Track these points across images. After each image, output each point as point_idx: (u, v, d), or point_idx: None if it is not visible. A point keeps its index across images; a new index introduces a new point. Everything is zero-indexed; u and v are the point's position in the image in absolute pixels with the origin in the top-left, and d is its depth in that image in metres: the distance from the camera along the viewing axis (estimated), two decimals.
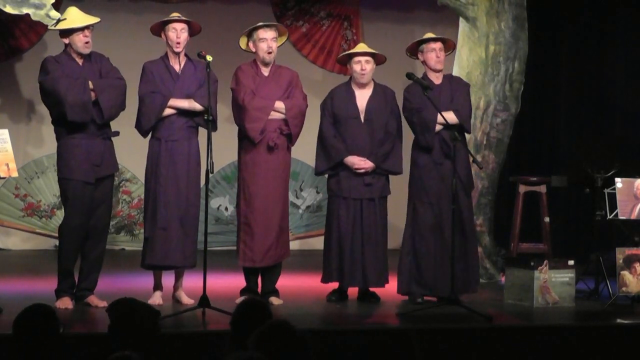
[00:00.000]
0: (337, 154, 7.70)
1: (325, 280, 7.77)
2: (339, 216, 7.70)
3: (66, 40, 7.21)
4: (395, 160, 7.74)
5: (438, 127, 7.61)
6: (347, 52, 8.02)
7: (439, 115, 7.53)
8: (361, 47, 7.91)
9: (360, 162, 7.66)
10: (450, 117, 7.54)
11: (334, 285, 7.78)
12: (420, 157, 7.70)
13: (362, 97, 7.77)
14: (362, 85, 7.77)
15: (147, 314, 4.28)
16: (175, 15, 7.48)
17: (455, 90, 7.76)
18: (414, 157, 7.76)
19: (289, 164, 7.75)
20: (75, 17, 7.22)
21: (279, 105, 7.57)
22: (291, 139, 7.64)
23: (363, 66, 7.75)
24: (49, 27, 7.32)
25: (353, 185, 7.68)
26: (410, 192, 7.79)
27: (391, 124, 7.75)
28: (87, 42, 7.19)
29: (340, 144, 7.69)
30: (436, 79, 7.77)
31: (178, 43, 7.37)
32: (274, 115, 7.57)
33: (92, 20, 7.25)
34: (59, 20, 7.21)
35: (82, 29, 7.18)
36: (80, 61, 7.22)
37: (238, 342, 4.29)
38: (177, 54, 7.41)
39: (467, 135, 8.35)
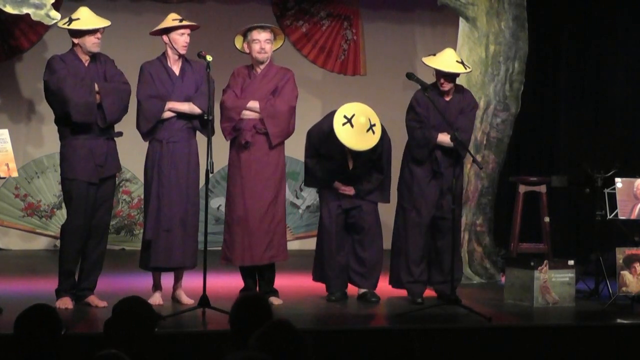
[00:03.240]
0: (323, 182, 7.78)
1: (314, 278, 7.88)
2: (322, 220, 7.78)
3: (76, 40, 7.21)
4: (380, 193, 7.80)
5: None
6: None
7: (439, 136, 7.56)
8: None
9: (345, 189, 7.73)
10: (447, 140, 7.50)
11: None
12: (412, 166, 7.75)
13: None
14: None
15: (149, 315, 4.27)
16: (176, 16, 7.48)
17: (464, 110, 7.73)
18: (407, 162, 7.80)
19: (279, 165, 7.67)
20: (88, 18, 7.22)
21: (252, 104, 7.54)
22: (270, 138, 7.55)
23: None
24: (61, 26, 7.32)
25: (339, 196, 7.74)
26: (399, 194, 7.88)
27: (380, 162, 7.71)
28: (96, 44, 7.20)
29: (324, 175, 7.73)
30: (447, 95, 7.74)
31: (185, 46, 7.41)
32: (249, 114, 7.54)
33: (104, 22, 7.26)
34: (71, 20, 7.21)
35: (94, 32, 7.19)
36: (86, 61, 7.23)
37: (239, 339, 4.29)
38: (180, 56, 7.42)
39: None
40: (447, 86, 7.67)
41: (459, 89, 7.89)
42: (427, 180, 7.70)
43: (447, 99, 7.73)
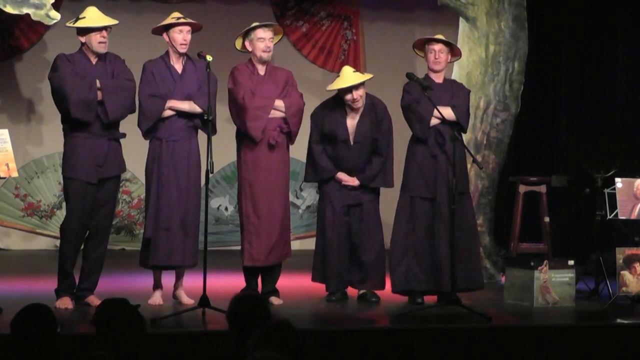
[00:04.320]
0: (325, 172, 7.78)
1: (313, 279, 7.85)
2: (325, 220, 7.76)
3: (83, 39, 7.22)
4: (384, 178, 7.78)
5: (435, 121, 7.61)
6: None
7: (435, 110, 7.55)
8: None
9: (348, 180, 7.73)
10: (447, 112, 7.54)
11: None
12: (418, 150, 7.71)
13: (353, 118, 7.76)
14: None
15: (126, 308, 4.26)
16: (177, 15, 7.49)
17: (455, 92, 7.77)
18: (412, 150, 7.78)
19: (289, 163, 7.78)
20: (94, 16, 7.24)
21: (279, 103, 7.59)
22: (291, 137, 7.67)
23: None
24: (68, 25, 7.34)
25: (342, 192, 7.74)
26: (404, 184, 7.78)
27: (381, 144, 7.74)
28: (103, 43, 7.20)
29: (328, 164, 7.75)
30: (437, 78, 7.78)
31: (184, 44, 7.39)
32: (274, 113, 7.59)
33: (110, 21, 7.27)
34: (78, 19, 7.23)
35: (100, 29, 7.19)
36: (94, 60, 7.23)
37: (236, 338, 4.30)
38: (181, 54, 7.42)
39: (466, 135, 8.40)
40: (441, 62, 7.68)
41: (450, 80, 7.96)
42: (432, 163, 7.64)
43: (438, 81, 7.74)
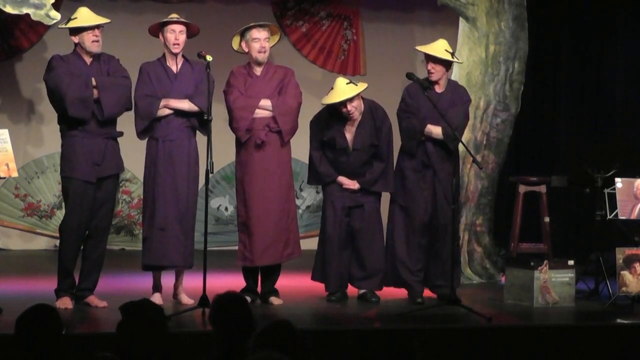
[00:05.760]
0: (325, 177, 7.80)
1: (313, 277, 7.87)
2: (326, 220, 7.79)
3: (76, 39, 7.23)
4: (384, 182, 7.78)
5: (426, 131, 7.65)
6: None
7: (427, 127, 7.57)
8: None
9: (348, 183, 7.74)
10: (437, 132, 7.54)
11: None
12: (406, 163, 7.76)
13: (351, 125, 7.74)
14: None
15: (156, 312, 4.28)
16: (173, 16, 7.48)
17: (455, 103, 7.73)
18: (401, 159, 7.81)
19: (288, 162, 7.73)
20: (85, 16, 7.26)
21: (265, 102, 7.56)
22: (283, 136, 7.61)
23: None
24: (60, 26, 7.35)
25: (343, 193, 7.75)
26: (395, 192, 7.85)
27: (381, 149, 7.74)
28: (96, 42, 7.20)
29: (327, 169, 7.77)
30: (438, 87, 7.75)
31: (176, 44, 7.37)
32: (261, 113, 7.56)
33: (102, 20, 7.28)
34: (69, 19, 7.25)
35: (92, 28, 7.19)
36: (88, 61, 7.24)
37: (220, 338, 4.30)
38: (175, 55, 7.41)
39: (466, 135, 8.40)
40: (434, 73, 7.67)
41: (453, 85, 7.90)
42: (418, 177, 7.67)
43: (439, 90, 7.72)
